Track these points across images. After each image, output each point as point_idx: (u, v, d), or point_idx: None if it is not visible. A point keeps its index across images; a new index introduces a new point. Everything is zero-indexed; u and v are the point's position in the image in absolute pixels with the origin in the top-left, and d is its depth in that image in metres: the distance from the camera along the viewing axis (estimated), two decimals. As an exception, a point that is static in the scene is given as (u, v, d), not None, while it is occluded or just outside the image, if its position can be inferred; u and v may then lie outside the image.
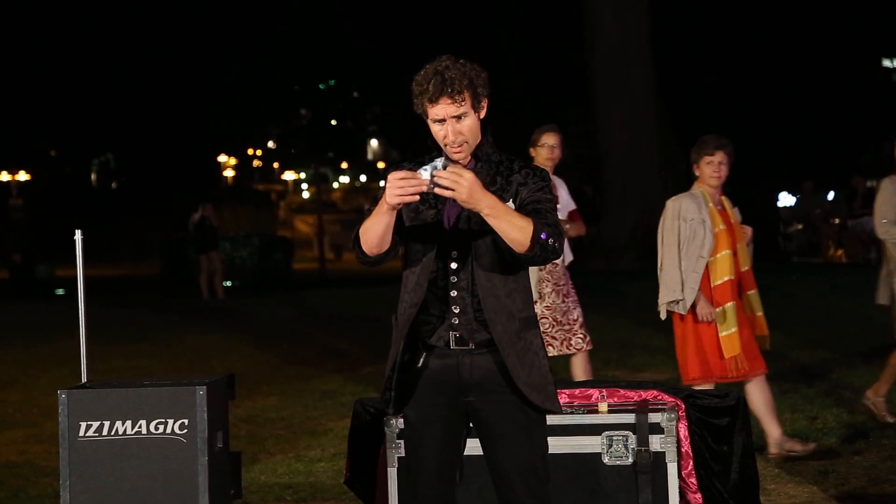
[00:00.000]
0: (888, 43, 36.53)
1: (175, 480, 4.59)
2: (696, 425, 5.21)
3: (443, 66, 3.97)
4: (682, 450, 5.16)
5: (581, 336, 7.91)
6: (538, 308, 7.70)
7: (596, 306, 16.10)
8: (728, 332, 7.03)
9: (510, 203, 3.98)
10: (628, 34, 24.62)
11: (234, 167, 56.93)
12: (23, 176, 44.53)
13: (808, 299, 15.85)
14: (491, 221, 3.84)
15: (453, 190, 3.76)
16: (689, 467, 5.20)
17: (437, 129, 4.02)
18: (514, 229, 3.84)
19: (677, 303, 7.06)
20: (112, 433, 4.62)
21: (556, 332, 7.79)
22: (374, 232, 3.94)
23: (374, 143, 58.00)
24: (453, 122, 3.98)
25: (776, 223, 28.70)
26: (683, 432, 5.17)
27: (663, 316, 7.22)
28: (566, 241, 7.86)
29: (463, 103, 3.97)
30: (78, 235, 4.94)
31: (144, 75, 38.89)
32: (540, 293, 7.74)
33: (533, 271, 7.62)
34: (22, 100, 38.42)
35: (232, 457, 4.98)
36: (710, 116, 33.60)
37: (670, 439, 5.03)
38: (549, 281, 7.82)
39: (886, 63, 40.97)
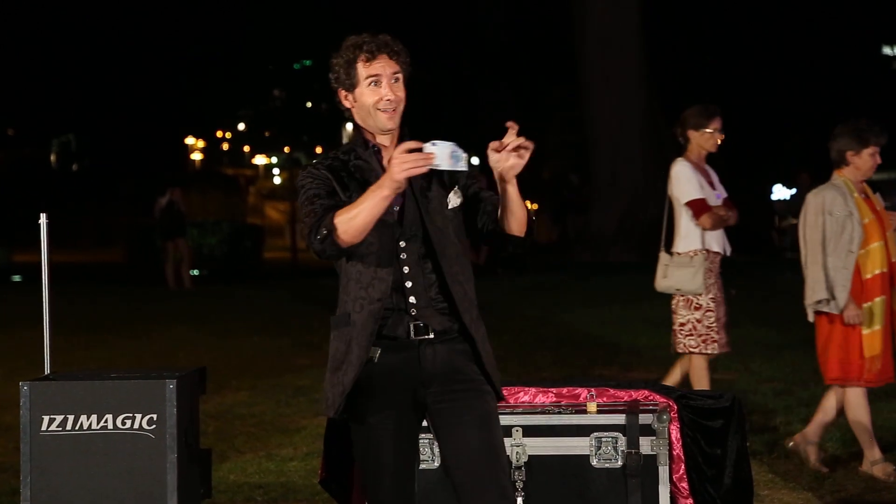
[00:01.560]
0: (888, 30, 36.69)
1: (142, 478, 4.57)
2: (688, 427, 5.21)
3: (371, 34, 4.06)
4: (674, 453, 5.16)
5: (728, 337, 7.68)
6: (703, 300, 7.53)
7: (581, 301, 16.17)
8: (871, 330, 6.80)
9: (455, 192, 4.05)
10: (618, 16, 24.67)
11: (203, 150, 56.73)
12: (-21, 156, 44.34)
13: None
14: (514, 194, 3.89)
15: (521, 159, 3.82)
16: (681, 471, 5.20)
17: (368, 92, 4.03)
18: (524, 207, 3.93)
19: (826, 302, 6.78)
20: (76, 428, 4.60)
21: (720, 328, 7.56)
22: (368, 218, 3.88)
23: (349, 126, 57.94)
24: (390, 80, 4.02)
25: (770, 217, 28.80)
26: (675, 434, 5.17)
27: (811, 318, 6.95)
28: (723, 232, 7.74)
29: (399, 65, 4.04)
30: (43, 219, 4.92)
31: (109, 51, 38.72)
32: (705, 286, 7.54)
33: (699, 262, 7.51)
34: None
35: (202, 454, 4.97)
36: (701, 103, 33.74)
37: (662, 441, 5.03)
38: (712, 272, 7.59)
39: (887, 50, 41.14)
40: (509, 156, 3.83)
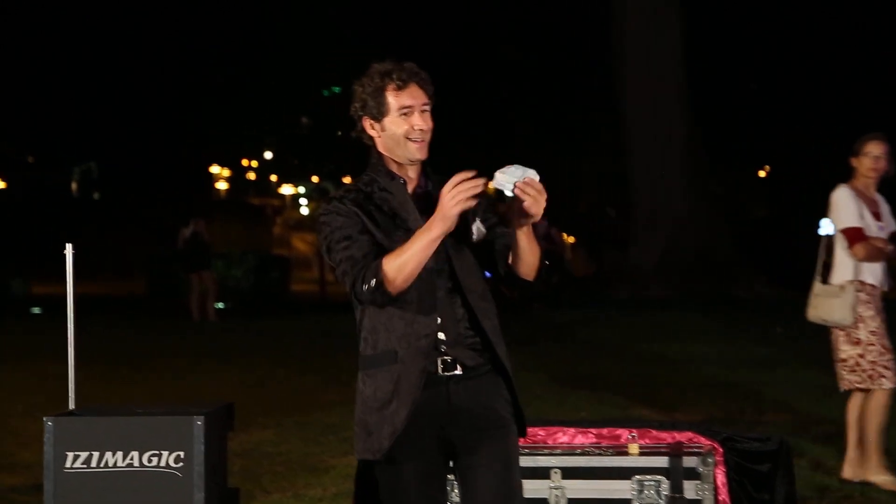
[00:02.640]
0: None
1: (169, 518, 4.60)
2: (734, 471, 5.20)
3: (394, 62, 4.08)
4: (720, 498, 5.15)
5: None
6: (861, 334, 7.50)
7: (620, 338, 16.13)
8: None
9: (477, 223, 4.06)
10: (659, 40, 24.68)
11: (228, 179, 57.04)
12: (-2, 183, 44.69)
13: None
14: (527, 238, 3.94)
15: (535, 207, 3.83)
16: (727, 517, 5.19)
17: (399, 122, 4.04)
18: (536, 251, 3.97)
19: None
20: (101, 465, 4.62)
21: (888, 360, 7.49)
22: (418, 263, 3.91)
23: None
24: (421, 111, 4.04)
25: (818, 252, 28.67)
26: (721, 479, 5.16)
27: None
28: (885, 264, 7.69)
29: (427, 95, 4.07)
30: (69, 250, 4.96)
31: (131, 77, 38.99)
32: (860, 316, 7.52)
33: (849, 293, 7.50)
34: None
35: (230, 494, 4.98)
36: (744, 135, 33.57)
37: (707, 486, 5.02)
38: (870, 304, 7.55)
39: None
40: (532, 204, 3.83)
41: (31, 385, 12.50)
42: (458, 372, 4.03)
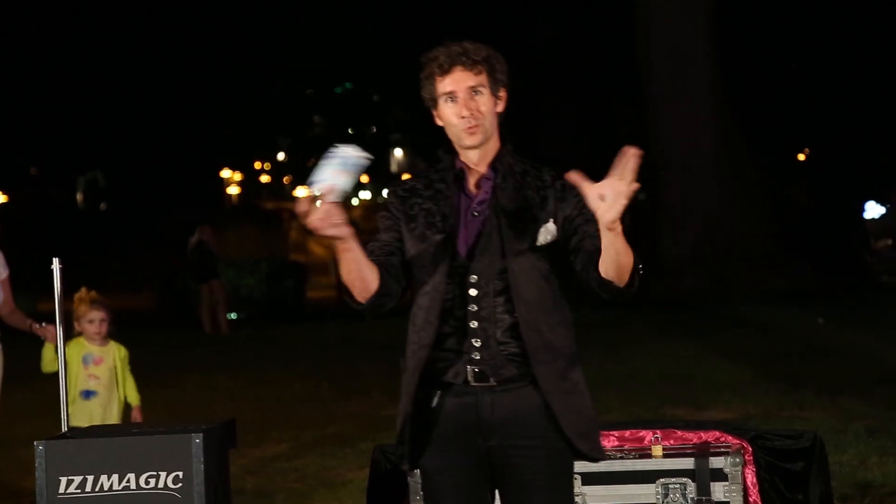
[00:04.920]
0: None
1: (169, 541, 4.61)
2: (765, 471, 5.19)
3: (455, 42, 4.04)
4: (751, 499, 5.14)
5: None
6: None
7: (651, 335, 16.10)
8: None
9: (550, 224, 3.94)
10: (687, 20, 24.62)
11: (240, 183, 57.16)
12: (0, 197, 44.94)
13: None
14: (617, 239, 3.71)
15: (609, 213, 3.64)
16: (759, 519, 5.18)
17: (446, 108, 4.01)
18: (628, 251, 3.76)
19: None
20: (97, 489, 4.64)
21: None
22: (351, 276, 3.91)
23: (397, 152, 58.14)
24: (468, 94, 3.99)
25: (863, 237, 28.56)
26: (751, 479, 5.15)
27: None
28: None
29: (479, 75, 4.00)
30: (56, 265, 4.98)
31: (136, 81, 39.11)
32: None
33: None
34: (-2, 111, 38.77)
35: (233, 513, 5.00)
36: (782, 116, 33.44)
37: (735, 487, 5.01)
38: None
39: None
40: (615, 202, 3.64)
41: (37, 408, 12.55)
42: (490, 384, 3.97)
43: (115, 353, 7.87)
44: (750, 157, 26.00)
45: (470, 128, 3.97)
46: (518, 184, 4.02)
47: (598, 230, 3.77)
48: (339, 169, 3.72)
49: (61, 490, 4.64)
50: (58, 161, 43.69)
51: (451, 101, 4.00)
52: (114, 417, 7.91)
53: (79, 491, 4.64)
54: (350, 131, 40.21)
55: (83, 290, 8.06)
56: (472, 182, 4.04)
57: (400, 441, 4.05)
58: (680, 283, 22.94)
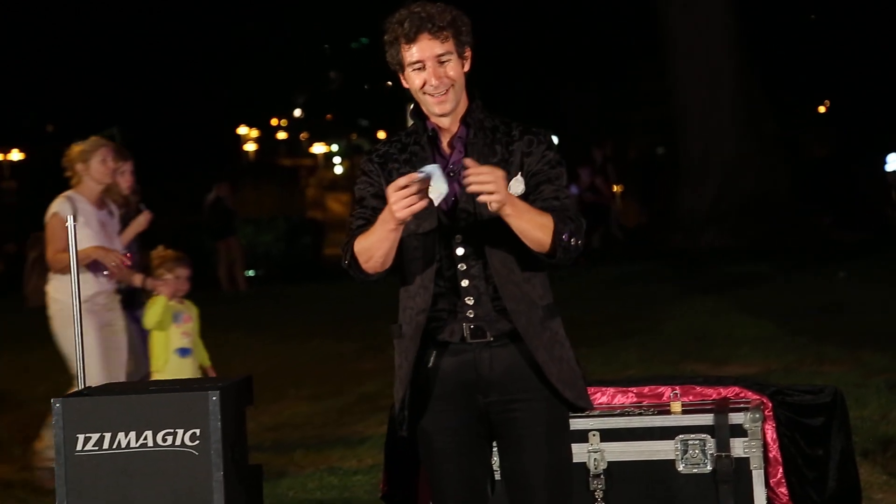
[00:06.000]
0: None
1: (186, 498, 4.60)
2: (785, 426, 5.17)
3: (419, 6, 3.99)
4: (770, 455, 5.12)
5: None
6: None
7: (671, 291, 16.07)
8: None
9: (518, 178, 3.98)
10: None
11: (257, 140, 57.11)
12: (16, 155, 44.89)
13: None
14: (511, 221, 3.85)
15: (492, 192, 3.76)
16: (779, 475, 5.16)
17: (413, 76, 4.00)
18: (536, 228, 3.87)
19: None
20: (114, 446, 4.64)
21: None
22: (380, 251, 3.93)
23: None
24: (435, 63, 3.96)
25: (884, 190, 28.40)
26: (771, 434, 5.14)
27: None
28: None
29: (446, 42, 3.97)
30: (70, 222, 4.98)
31: (151, 37, 39.05)
32: None
33: None
34: (13, 68, 38.71)
35: (251, 471, 5.00)
36: (803, 67, 33.20)
37: (755, 443, 4.99)
38: None
39: None
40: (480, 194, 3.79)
41: (52, 366, 12.59)
42: (488, 339, 4.02)
43: (194, 311, 7.88)
44: (769, 110, 25.84)
45: (439, 98, 3.97)
46: (488, 138, 4.03)
47: (553, 192, 3.94)
48: (441, 178, 3.82)
49: (79, 447, 4.63)
50: (74, 118, 43.68)
51: (419, 70, 3.98)
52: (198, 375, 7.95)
53: (96, 448, 4.64)
54: (366, 87, 40.15)
55: (160, 247, 8.09)
56: (445, 142, 4.06)
57: (402, 407, 4.07)
58: (699, 238, 22.88)
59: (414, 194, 3.77)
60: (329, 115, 46.49)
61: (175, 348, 7.73)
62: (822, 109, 39.81)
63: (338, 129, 49.23)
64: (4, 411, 10.67)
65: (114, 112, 44.14)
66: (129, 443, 4.64)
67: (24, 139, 44.64)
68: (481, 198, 3.80)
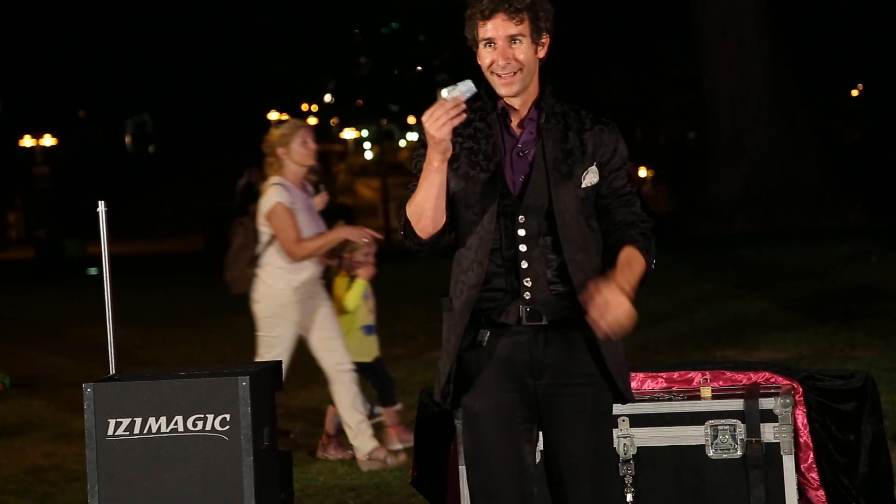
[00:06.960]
0: None
1: (216, 483, 4.61)
2: (816, 412, 5.14)
3: None
4: (801, 440, 5.10)
5: None
6: None
7: (701, 276, 16.03)
8: None
9: (593, 168, 3.98)
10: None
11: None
12: (48, 140, 45.06)
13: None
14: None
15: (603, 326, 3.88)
16: (810, 460, 5.14)
17: (483, 54, 3.98)
18: (639, 283, 4.04)
19: None
20: (144, 431, 4.65)
21: None
22: (428, 203, 3.90)
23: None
24: (506, 43, 3.94)
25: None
26: (801, 420, 5.11)
27: None
28: None
29: (520, 24, 3.94)
30: (101, 208, 4.99)
31: (183, 24, 39.13)
32: None
33: None
34: (47, 55, 38.82)
35: (281, 456, 5.01)
36: (835, 51, 33.01)
37: (786, 428, 4.97)
38: None
39: None
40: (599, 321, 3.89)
41: (84, 350, 12.67)
42: (543, 323, 4.00)
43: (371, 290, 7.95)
44: (800, 94, 25.72)
45: (506, 79, 3.95)
46: (561, 125, 4.01)
47: (623, 185, 4.00)
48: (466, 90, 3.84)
49: (110, 432, 4.65)
50: (106, 104, 43.82)
51: (490, 46, 3.96)
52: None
53: (127, 433, 4.65)
54: (396, 72, 40.14)
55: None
56: (514, 122, 4.03)
57: (447, 380, 4.05)
58: (730, 223, 22.82)
59: (451, 111, 3.77)
60: (359, 101, 46.51)
61: (361, 325, 7.79)
62: (854, 93, 39.57)
63: (368, 114, 49.23)
64: (37, 393, 10.73)
65: (145, 98, 44.33)
66: (159, 428, 4.65)
67: (57, 125, 44.82)
68: (604, 326, 3.89)
